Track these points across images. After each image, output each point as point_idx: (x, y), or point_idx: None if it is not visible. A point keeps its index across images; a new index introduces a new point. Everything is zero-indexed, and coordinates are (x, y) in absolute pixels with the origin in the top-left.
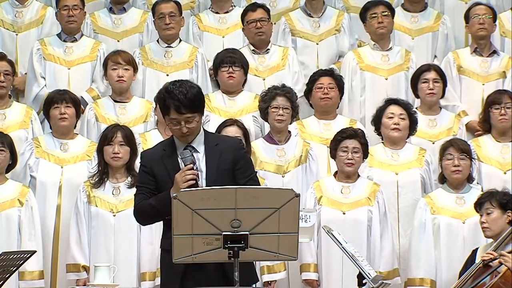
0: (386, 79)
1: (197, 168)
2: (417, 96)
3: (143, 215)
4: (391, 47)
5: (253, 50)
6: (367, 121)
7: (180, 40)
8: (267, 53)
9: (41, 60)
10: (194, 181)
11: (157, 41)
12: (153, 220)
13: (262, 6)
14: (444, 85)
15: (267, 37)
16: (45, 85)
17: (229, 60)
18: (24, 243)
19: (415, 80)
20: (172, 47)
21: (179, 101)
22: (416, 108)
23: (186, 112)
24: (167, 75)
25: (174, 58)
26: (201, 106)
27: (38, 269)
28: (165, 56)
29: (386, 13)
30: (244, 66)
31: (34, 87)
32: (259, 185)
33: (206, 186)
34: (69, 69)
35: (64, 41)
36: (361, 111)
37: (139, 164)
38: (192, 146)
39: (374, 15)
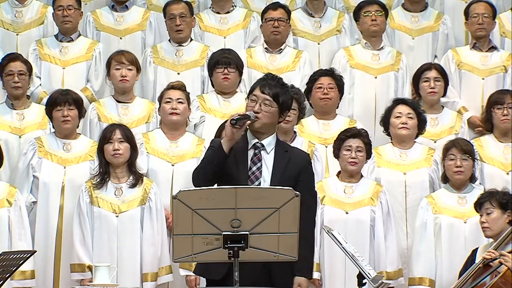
0: (376, 78)
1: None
2: (418, 95)
3: (201, 169)
4: (382, 47)
5: (266, 48)
6: (355, 119)
7: (191, 39)
8: (280, 53)
9: (37, 60)
10: (237, 115)
11: (169, 40)
12: (206, 175)
13: (284, 7)
14: (446, 83)
15: (282, 38)
16: (40, 84)
17: (224, 61)
18: (15, 243)
19: (417, 79)
20: (183, 45)
21: (268, 83)
22: None
23: (268, 93)
24: (178, 73)
25: (185, 56)
26: (284, 103)
27: (29, 268)
28: (176, 55)
29: (380, 12)
30: (239, 67)
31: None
32: (316, 205)
33: (270, 185)
34: (63, 68)
35: (61, 41)
36: (349, 109)
37: (208, 145)
38: (262, 144)
39: (367, 13)
